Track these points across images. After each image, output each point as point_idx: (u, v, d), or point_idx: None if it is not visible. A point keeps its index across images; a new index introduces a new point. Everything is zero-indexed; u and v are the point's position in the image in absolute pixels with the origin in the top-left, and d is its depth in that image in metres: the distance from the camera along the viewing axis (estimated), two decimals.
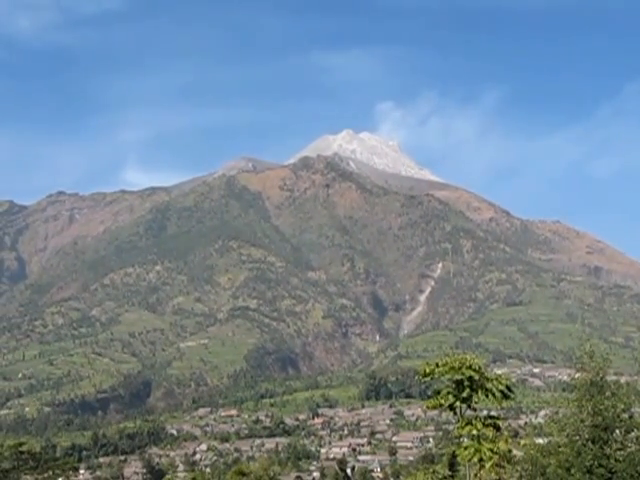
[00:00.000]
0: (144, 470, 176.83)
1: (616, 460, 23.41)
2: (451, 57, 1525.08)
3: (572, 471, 23.68)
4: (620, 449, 24.17)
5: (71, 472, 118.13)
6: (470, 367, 25.04)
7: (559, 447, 25.51)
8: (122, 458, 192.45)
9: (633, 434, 24.44)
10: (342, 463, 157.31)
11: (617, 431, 24.58)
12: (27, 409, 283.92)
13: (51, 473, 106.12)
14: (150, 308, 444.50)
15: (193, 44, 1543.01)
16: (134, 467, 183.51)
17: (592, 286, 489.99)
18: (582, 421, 24.71)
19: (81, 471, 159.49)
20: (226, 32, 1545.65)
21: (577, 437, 24.75)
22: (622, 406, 24.63)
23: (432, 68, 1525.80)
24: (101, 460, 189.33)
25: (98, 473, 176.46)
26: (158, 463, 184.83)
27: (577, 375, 25.67)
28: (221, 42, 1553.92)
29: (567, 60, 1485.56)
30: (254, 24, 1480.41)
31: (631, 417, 24.65)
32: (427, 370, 25.75)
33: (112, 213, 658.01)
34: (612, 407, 24.49)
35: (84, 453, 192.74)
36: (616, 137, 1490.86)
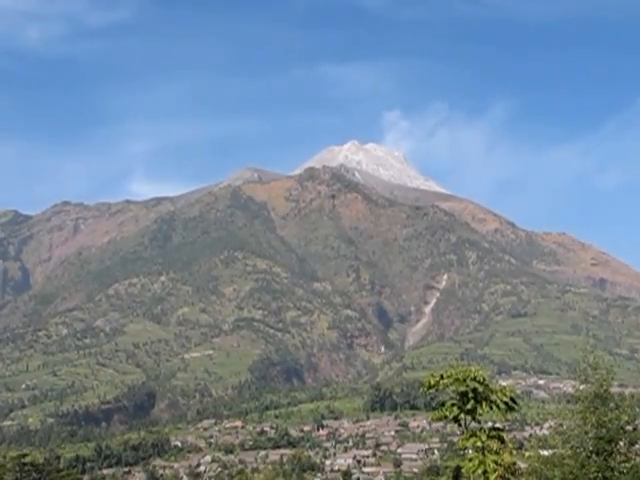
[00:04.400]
0: None
1: (620, 472, 23.48)
2: (460, 70, 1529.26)
3: None
4: (624, 461, 24.22)
5: None
6: (475, 379, 25.13)
7: (563, 459, 25.56)
8: (126, 469, 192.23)
9: (637, 446, 24.49)
10: (347, 475, 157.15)
11: (621, 443, 24.62)
12: (30, 420, 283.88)
13: None
14: (155, 319, 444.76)
15: (200, 56, 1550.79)
16: (138, 478, 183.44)
17: (597, 298, 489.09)
18: (586, 433, 24.78)
19: None
20: (233, 45, 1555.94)
21: (581, 449, 24.81)
22: (626, 418, 24.69)
23: (440, 80, 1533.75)
24: (105, 472, 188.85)
25: None
26: (162, 475, 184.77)
27: (581, 387, 25.76)
28: (227, 55, 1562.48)
29: (576, 74, 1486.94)
30: (261, 37, 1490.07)
31: (635, 429, 24.69)
32: (432, 382, 25.83)
33: (117, 223, 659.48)
34: (616, 419, 24.55)
35: (88, 465, 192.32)
36: (622, 150, 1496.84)
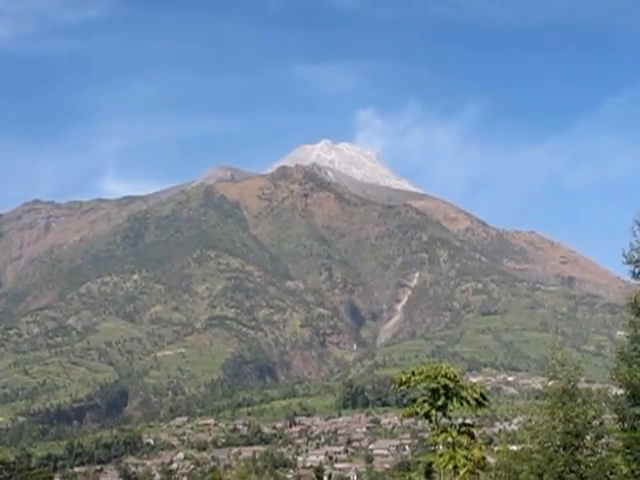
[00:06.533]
0: (120, 479, 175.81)
1: (586, 466, 23.83)
2: (434, 70, 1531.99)
3: (544, 477, 24.09)
4: (591, 455, 24.58)
5: None
6: (445, 375, 25.30)
7: (532, 453, 25.91)
8: (98, 468, 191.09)
9: (603, 440, 24.85)
10: (319, 471, 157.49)
11: (588, 437, 24.97)
12: (1, 419, 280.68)
13: None
14: (127, 317, 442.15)
15: (172, 56, 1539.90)
16: (110, 477, 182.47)
17: (565, 295, 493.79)
18: (554, 428, 25.09)
19: None
20: (207, 44, 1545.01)
21: (549, 444, 25.13)
22: (593, 413, 25.04)
23: (415, 80, 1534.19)
24: (76, 470, 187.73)
25: None
26: (134, 472, 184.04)
27: (549, 383, 26.06)
28: (201, 54, 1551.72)
29: (547, 75, 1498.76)
30: (235, 37, 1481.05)
31: (601, 424, 25.05)
32: (403, 379, 25.96)
33: (89, 222, 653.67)
34: (583, 414, 24.89)
35: (59, 463, 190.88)
36: (592, 150, 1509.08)
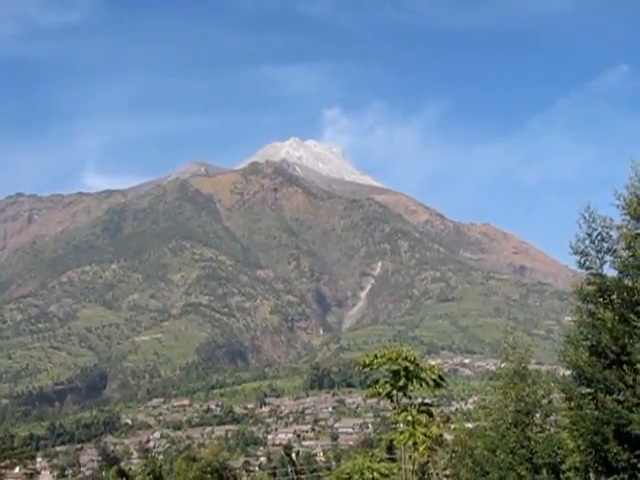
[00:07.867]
0: (99, 458, 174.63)
1: (536, 442, 24.03)
2: (397, 72, 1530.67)
3: (497, 452, 24.27)
4: (540, 432, 24.78)
5: (28, 460, 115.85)
6: (406, 358, 25.36)
7: (486, 431, 26.06)
8: (78, 446, 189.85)
9: (552, 418, 25.07)
10: (287, 448, 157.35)
11: (537, 415, 25.17)
12: None
13: (8, 462, 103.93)
14: (106, 304, 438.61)
15: (150, 57, 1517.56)
16: (90, 455, 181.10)
17: (517, 283, 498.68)
18: (506, 407, 25.26)
19: (38, 459, 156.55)
20: (182, 46, 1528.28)
21: (502, 421, 25.30)
22: (542, 392, 25.25)
23: (379, 81, 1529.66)
24: (58, 449, 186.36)
25: (55, 461, 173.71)
26: (113, 451, 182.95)
27: (502, 365, 26.23)
28: (177, 56, 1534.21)
29: (503, 76, 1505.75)
30: (209, 40, 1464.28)
31: (550, 402, 25.28)
32: (367, 361, 25.97)
33: (70, 214, 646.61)
34: (533, 394, 25.08)
35: (41, 442, 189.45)
36: (543, 148, 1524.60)
